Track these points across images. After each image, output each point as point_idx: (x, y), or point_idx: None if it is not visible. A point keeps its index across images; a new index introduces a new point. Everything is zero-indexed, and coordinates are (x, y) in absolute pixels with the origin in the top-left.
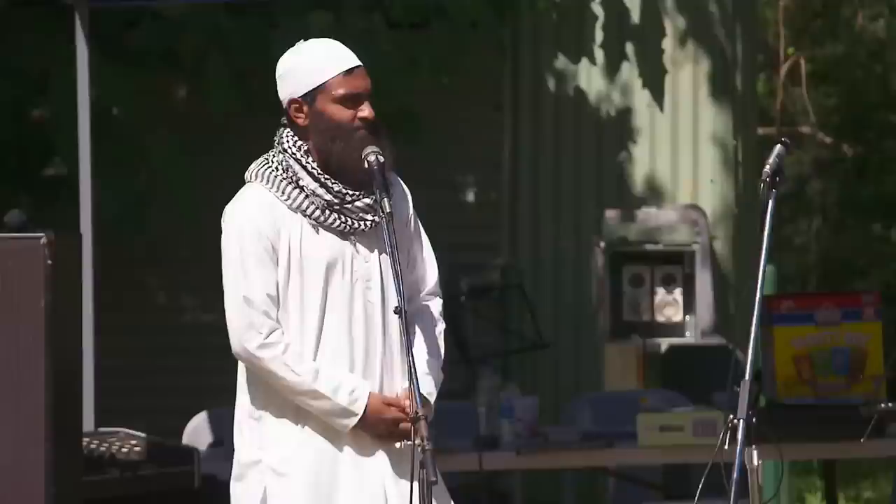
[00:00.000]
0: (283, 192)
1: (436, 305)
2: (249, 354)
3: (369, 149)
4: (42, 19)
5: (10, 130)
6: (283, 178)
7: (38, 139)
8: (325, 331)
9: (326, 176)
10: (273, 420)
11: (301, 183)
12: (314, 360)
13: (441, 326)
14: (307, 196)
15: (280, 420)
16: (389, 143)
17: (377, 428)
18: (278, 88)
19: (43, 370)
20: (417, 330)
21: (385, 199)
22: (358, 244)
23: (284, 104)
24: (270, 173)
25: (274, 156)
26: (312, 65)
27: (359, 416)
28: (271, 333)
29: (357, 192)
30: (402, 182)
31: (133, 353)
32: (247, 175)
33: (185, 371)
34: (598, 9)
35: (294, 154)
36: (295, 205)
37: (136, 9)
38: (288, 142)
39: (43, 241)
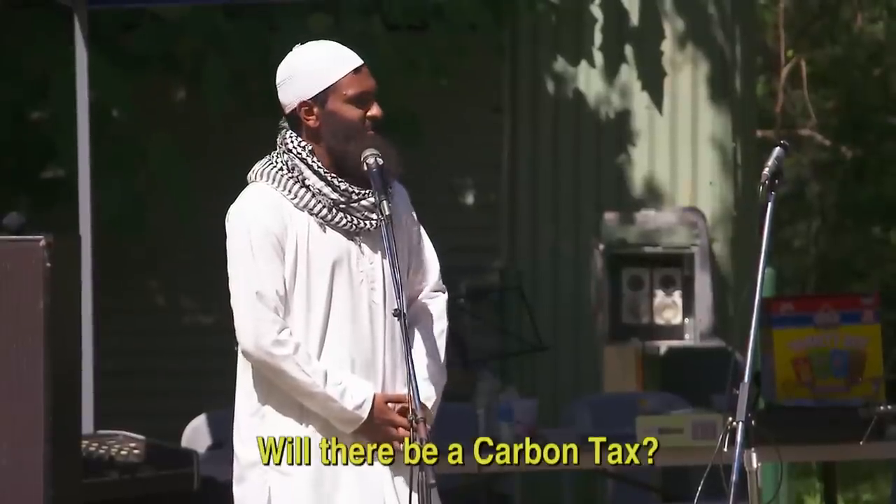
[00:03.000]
0: (289, 191)
1: (438, 303)
2: (262, 352)
3: (368, 151)
4: (41, 21)
5: (9, 132)
6: (290, 177)
7: (38, 141)
8: (329, 330)
9: (332, 175)
10: (276, 419)
11: (307, 182)
12: (318, 358)
13: (442, 325)
14: (313, 195)
15: (284, 419)
16: (395, 147)
17: (379, 430)
18: (280, 93)
19: (42, 372)
20: (417, 333)
21: (384, 202)
22: (363, 244)
23: (292, 107)
24: (276, 172)
25: (278, 156)
26: (320, 65)
27: (363, 420)
28: (282, 331)
29: (363, 191)
30: (398, 183)
31: (132, 356)
32: (250, 175)
33: (184, 373)
34: (597, 11)
35: (299, 154)
36: (301, 203)
37: (135, 11)
38: (292, 142)
39: (42, 243)
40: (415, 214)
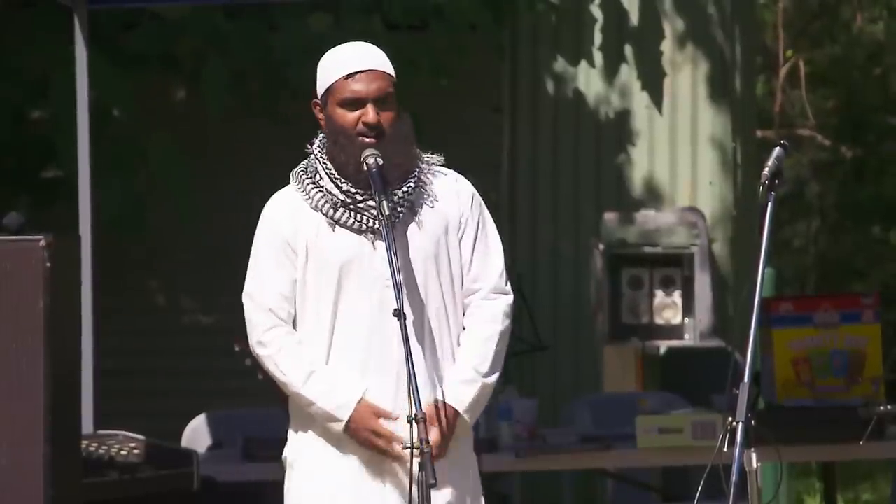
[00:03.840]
0: (305, 191)
1: (494, 306)
2: (252, 349)
3: (367, 151)
4: (41, 21)
5: (9, 131)
6: (307, 178)
7: (38, 141)
8: (337, 329)
9: (337, 176)
10: (297, 418)
11: (321, 182)
12: (327, 356)
13: (494, 328)
14: (324, 195)
15: (302, 418)
16: (407, 146)
17: (359, 435)
18: None
19: (42, 372)
20: (464, 334)
21: (384, 202)
22: (376, 242)
23: None
24: (301, 173)
25: (308, 157)
26: (326, 67)
27: (343, 422)
28: (269, 330)
29: (367, 193)
30: (461, 178)
31: (132, 356)
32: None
33: (184, 373)
34: (596, 11)
35: (317, 154)
36: (314, 203)
37: (135, 11)
38: (318, 142)
39: (42, 243)
40: (474, 212)
